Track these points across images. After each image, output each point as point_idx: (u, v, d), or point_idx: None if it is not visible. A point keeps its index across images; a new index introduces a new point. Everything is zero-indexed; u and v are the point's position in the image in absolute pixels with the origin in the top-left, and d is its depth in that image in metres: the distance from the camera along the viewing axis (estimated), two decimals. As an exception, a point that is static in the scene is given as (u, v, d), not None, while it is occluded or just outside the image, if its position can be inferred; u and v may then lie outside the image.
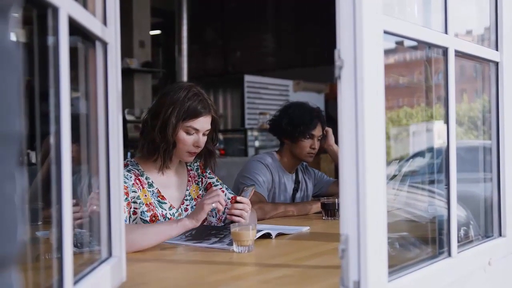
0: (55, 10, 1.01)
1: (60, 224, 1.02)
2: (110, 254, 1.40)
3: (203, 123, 2.28)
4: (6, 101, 0.58)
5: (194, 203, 2.41)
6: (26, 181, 0.66)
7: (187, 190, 2.42)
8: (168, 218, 2.28)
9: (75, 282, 1.12)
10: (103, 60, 1.39)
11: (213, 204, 2.04)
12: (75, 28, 1.14)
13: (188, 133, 2.26)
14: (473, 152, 2.13)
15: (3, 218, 0.58)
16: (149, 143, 2.27)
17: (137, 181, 2.24)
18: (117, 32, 1.43)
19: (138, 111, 7.84)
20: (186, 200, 2.40)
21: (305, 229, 2.42)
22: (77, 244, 1.35)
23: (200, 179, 2.49)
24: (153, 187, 2.29)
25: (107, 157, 1.40)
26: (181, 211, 2.36)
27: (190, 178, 2.45)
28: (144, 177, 2.29)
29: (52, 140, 1.03)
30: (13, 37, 0.61)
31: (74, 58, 1.13)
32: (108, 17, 1.40)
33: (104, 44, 1.38)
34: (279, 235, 2.25)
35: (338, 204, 2.73)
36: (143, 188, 2.26)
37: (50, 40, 1.04)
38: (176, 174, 2.39)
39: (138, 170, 2.29)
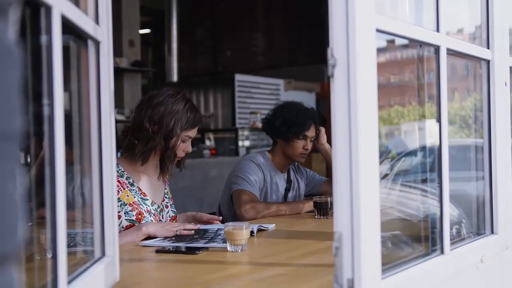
0: (48, 8, 1.01)
1: (54, 224, 1.02)
2: (103, 253, 1.40)
3: (196, 131, 2.46)
4: (7, 99, 0.58)
5: (171, 202, 2.57)
6: (26, 179, 0.66)
7: (166, 189, 2.56)
8: (153, 213, 2.39)
9: (69, 282, 1.11)
10: (96, 59, 1.38)
11: (177, 232, 2.19)
12: (67, 27, 1.13)
13: (183, 141, 2.40)
14: (464, 150, 2.14)
15: (5, 215, 0.58)
16: (150, 150, 2.36)
17: (117, 183, 2.27)
18: (109, 31, 1.43)
19: (128, 111, 7.81)
20: (166, 198, 2.53)
21: (271, 226, 2.46)
22: (69, 243, 1.34)
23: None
24: (134, 186, 2.38)
25: (99, 158, 1.39)
26: (163, 207, 2.49)
27: (166, 179, 2.58)
28: (125, 177, 2.37)
29: (45, 140, 1.03)
30: (13, 35, 0.61)
31: (65, 57, 1.12)
32: (100, 16, 1.39)
33: (97, 43, 1.37)
34: (259, 231, 2.31)
35: (331, 203, 2.75)
36: (124, 189, 2.33)
37: (43, 38, 1.03)
38: (154, 174, 2.48)
39: (117, 171, 2.34)
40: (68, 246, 1.12)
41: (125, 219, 2.29)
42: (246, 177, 2.97)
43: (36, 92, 1.04)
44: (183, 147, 2.40)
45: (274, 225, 2.47)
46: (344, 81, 1.20)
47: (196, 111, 2.43)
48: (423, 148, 2.08)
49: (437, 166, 1.60)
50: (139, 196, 2.37)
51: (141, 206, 2.34)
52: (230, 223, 2.02)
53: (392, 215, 1.96)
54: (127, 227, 2.26)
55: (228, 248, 1.92)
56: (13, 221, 0.60)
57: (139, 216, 2.31)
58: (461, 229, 1.89)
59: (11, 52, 0.60)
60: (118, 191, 2.28)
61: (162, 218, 2.44)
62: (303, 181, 3.31)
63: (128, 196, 2.33)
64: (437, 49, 1.57)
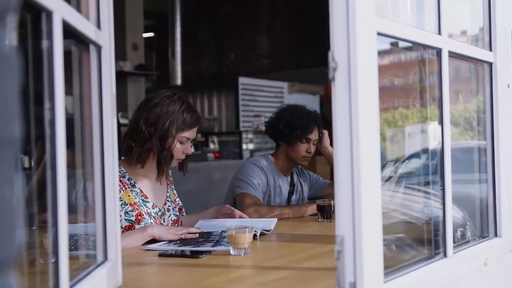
0: (49, 14, 1.01)
1: (55, 229, 1.02)
2: (105, 257, 1.40)
3: (195, 132, 2.44)
4: (5, 105, 0.58)
5: (174, 205, 2.55)
6: (23, 185, 0.67)
7: (168, 192, 2.54)
8: (153, 216, 2.39)
9: (71, 286, 1.11)
10: (97, 64, 1.38)
11: (182, 236, 2.20)
12: (69, 32, 1.14)
13: (181, 142, 2.39)
14: (468, 153, 2.13)
15: (2, 221, 0.58)
16: (146, 152, 2.35)
17: (119, 182, 2.28)
18: (111, 35, 1.43)
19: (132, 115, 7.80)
20: (168, 201, 2.52)
21: (274, 222, 2.49)
22: (72, 247, 1.35)
23: (173, 186, 2.63)
24: (136, 187, 2.38)
25: (102, 162, 1.39)
26: (164, 210, 2.48)
27: (168, 182, 2.58)
28: (126, 178, 2.38)
29: (46, 144, 1.03)
30: (11, 41, 0.61)
31: (67, 61, 1.12)
32: (102, 20, 1.39)
33: (98, 48, 1.37)
34: (262, 234, 2.31)
35: (334, 206, 2.74)
36: (125, 189, 2.34)
37: (44, 43, 1.03)
38: (155, 177, 2.47)
39: (119, 172, 2.34)
40: (70, 249, 1.12)
41: (125, 219, 2.29)
42: (249, 181, 2.97)
43: (38, 96, 1.04)
44: (182, 149, 2.40)
45: (275, 219, 2.51)
46: (345, 84, 1.20)
47: (193, 112, 2.41)
48: (426, 150, 2.07)
49: (440, 168, 1.59)
50: (140, 198, 2.37)
51: (141, 207, 2.35)
52: (233, 226, 2.01)
53: (396, 218, 1.95)
54: (126, 228, 2.27)
55: (231, 252, 1.92)
56: (11, 226, 0.60)
57: (139, 217, 2.31)
58: (466, 231, 1.88)
59: (9, 58, 0.60)
60: (120, 190, 2.28)
61: (164, 221, 2.44)
62: (306, 184, 3.31)
63: (129, 196, 2.33)
64: (439, 51, 1.57)
